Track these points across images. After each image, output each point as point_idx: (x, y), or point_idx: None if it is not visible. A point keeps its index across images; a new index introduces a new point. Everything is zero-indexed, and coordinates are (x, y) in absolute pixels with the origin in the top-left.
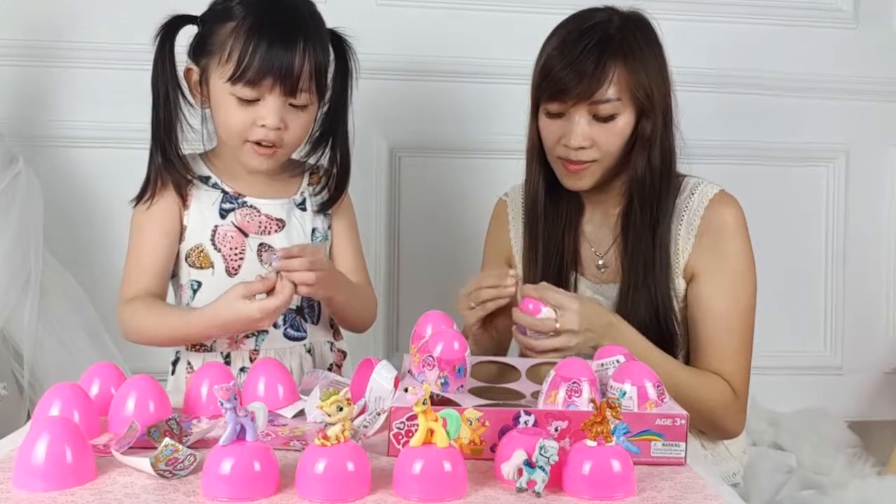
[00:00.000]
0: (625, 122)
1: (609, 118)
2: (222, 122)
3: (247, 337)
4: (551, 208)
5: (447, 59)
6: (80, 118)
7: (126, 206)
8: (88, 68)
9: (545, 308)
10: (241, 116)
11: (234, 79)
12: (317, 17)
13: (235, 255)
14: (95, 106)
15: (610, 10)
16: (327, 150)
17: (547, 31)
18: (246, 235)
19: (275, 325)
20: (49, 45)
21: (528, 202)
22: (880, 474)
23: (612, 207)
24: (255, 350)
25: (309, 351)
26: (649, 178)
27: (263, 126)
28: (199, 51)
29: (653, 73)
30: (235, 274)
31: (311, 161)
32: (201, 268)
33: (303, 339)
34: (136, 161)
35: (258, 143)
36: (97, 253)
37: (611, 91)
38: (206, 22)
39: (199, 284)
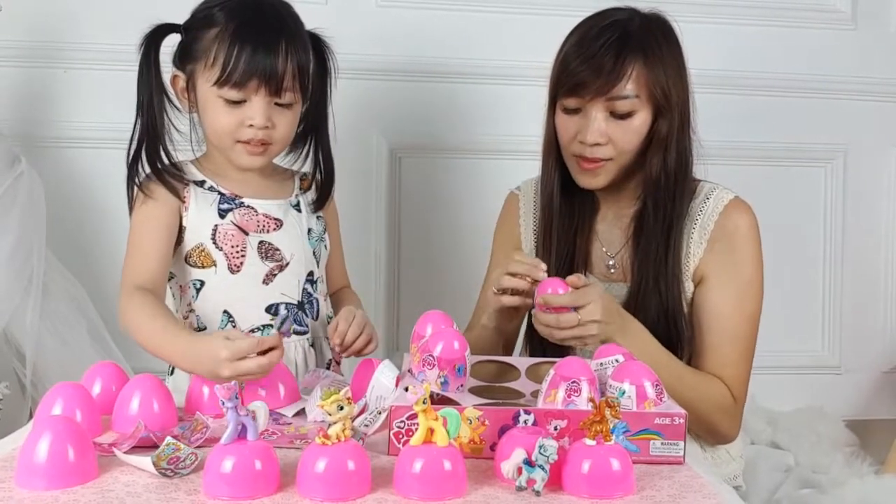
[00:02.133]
0: (641, 120)
1: (626, 115)
2: (211, 124)
3: (252, 332)
4: (565, 206)
5: (447, 59)
6: (83, 119)
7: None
8: (90, 69)
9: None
10: (229, 118)
11: (220, 82)
12: (297, 20)
13: (237, 252)
14: (98, 107)
15: (631, 10)
16: (308, 148)
17: (548, 31)
18: (246, 234)
19: None
20: (51, 45)
21: (544, 199)
22: (878, 473)
23: (625, 208)
24: None
25: (312, 345)
26: (664, 180)
27: (251, 126)
28: (184, 57)
29: (671, 73)
30: (238, 271)
31: (295, 162)
32: (203, 267)
33: (305, 332)
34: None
35: (248, 142)
36: (99, 253)
37: (629, 87)
38: (190, 29)
39: (203, 283)
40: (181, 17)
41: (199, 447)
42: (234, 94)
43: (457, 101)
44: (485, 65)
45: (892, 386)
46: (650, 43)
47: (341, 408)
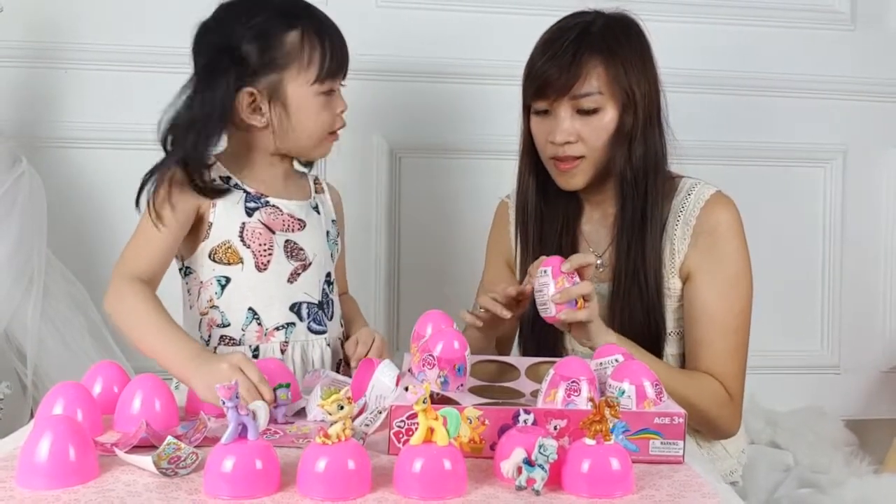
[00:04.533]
0: (609, 117)
1: (593, 111)
2: (311, 124)
3: (276, 329)
4: (546, 208)
5: (447, 59)
6: (84, 119)
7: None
8: (92, 69)
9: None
10: (326, 112)
11: (321, 78)
12: None
13: (264, 250)
14: (99, 107)
15: (596, 13)
16: None
17: None
18: (273, 232)
19: (300, 318)
20: (52, 46)
21: (519, 203)
22: (877, 472)
23: (609, 207)
24: (286, 342)
25: (329, 345)
26: (630, 175)
27: (341, 112)
28: (259, 72)
29: (633, 69)
30: (265, 269)
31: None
32: (229, 263)
33: (324, 332)
34: (139, 162)
35: (335, 131)
36: (100, 253)
37: (590, 84)
38: (257, 41)
39: (228, 280)
40: (181, 18)
41: (198, 446)
42: (329, 85)
43: (457, 101)
44: (485, 65)
45: (892, 385)
46: (609, 41)
47: (341, 407)
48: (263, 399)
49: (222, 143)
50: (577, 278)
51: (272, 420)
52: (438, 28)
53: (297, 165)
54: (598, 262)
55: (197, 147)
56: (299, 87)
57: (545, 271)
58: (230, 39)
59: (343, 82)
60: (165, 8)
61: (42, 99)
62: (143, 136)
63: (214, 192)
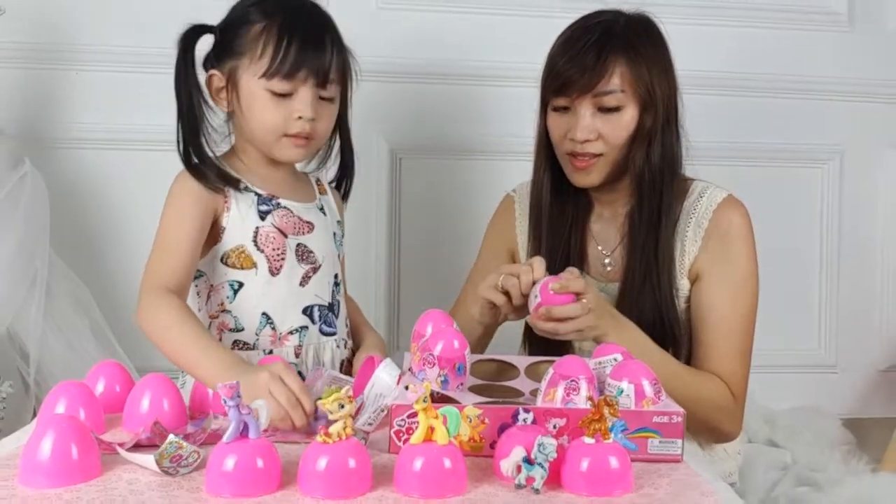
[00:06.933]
0: (630, 115)
1: (614, 109)
2: (258, 119)
3: (290, 333)
4: (557, 206)
5: (447, 61)
6: (87, 120)
7: (130, 207)
8: (95, 71)
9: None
10: (277, 112)
11: (269, 73)
12: (332, 18)
13: (278, 255)
14: (101, 108)
15: (617, 12)
16: (334, 147)
17: (546, 33)
18: (286, 236)
19: (312, 321)
20: (56, 47)
21: (533, 198)
22: (874, 471)
23: (620, 207)
24: (300, 345)
25: (338, 346)
26: (648, 175)
27: (300, 118)
28: (223, 56)
29: (655, 69)
30: (278, 273)
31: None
32: (242, 268)
33: (334, 334)
34: (142, 162)
35: (296, 135)
36: (103, 253)
37: (613, 82)
38: (228, 28)
39: (241, 284)
40: (184, 20)
41: (201, 445)
42: (282, 85)
43: (457, 101)
44: (485, 66)
45: (888, 384)
46: (632, 40)
47: (342, 406)
48: (304, 410)
49: (225, 145)
50: (569, 298)
51: (311, 432)
52: (439, 29)
53: (298, 166)
54: (607, 260)
55: (190, 130)
56: (249, 78)
57: (536, 292)
58: (226, 19)
59: (324, 92)
60: (168, 9)
61: (45, 100)
62: (145, 136)
63: (224, 182)
